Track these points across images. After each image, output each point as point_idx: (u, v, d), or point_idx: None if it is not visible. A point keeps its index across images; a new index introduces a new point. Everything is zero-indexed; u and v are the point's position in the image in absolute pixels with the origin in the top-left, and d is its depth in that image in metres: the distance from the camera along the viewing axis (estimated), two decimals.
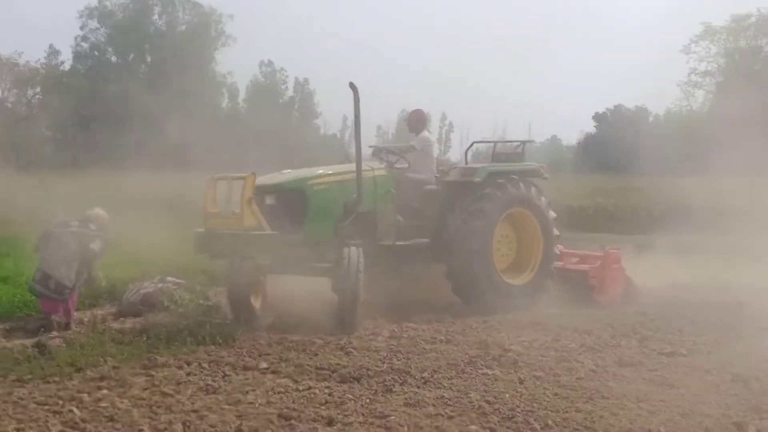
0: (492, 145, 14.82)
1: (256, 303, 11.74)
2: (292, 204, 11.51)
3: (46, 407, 7.39)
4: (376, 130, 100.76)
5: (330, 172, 12.13)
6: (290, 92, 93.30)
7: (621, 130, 74.91)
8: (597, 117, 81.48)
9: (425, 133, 13.77)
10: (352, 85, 11.32)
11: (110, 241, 11.78)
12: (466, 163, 14.01)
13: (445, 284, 12.89)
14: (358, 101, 11.40)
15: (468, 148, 14.45)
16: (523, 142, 14.43)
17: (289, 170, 12.28)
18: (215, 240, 11.14)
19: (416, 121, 13.93)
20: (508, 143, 14.89)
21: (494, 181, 12.98)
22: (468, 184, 12.94)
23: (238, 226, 10.89)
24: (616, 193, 32.20)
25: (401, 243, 12.49)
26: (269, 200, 11.51)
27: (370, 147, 14.03)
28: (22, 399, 7.60)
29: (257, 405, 7.61)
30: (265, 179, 11.63)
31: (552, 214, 13.78)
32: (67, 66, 79.83)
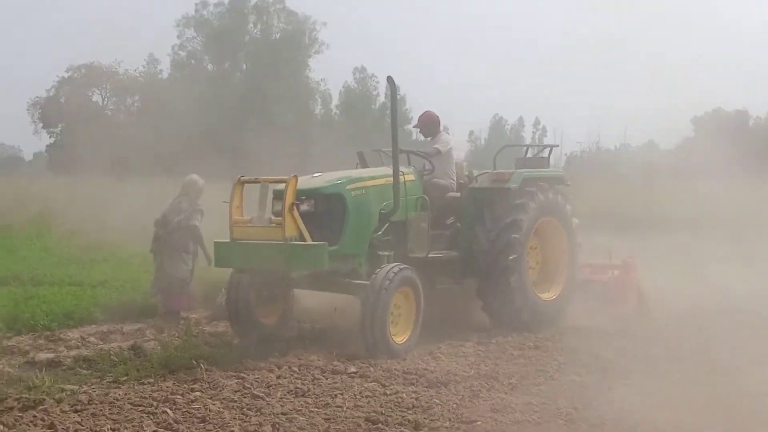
0: (521, 150, 13.76)
1: (268, 316, 11.01)
2: (328, 211, 10.36)
3: (141, 408, 7.57)
4: (469, 135, 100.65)
5: (366, 176, 11.04)
6: (381, 98, 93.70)
7: (721, 134, 73.35)
8: (695, 120, 79.89)
9: (445, 135, 12.50)
10: (389, 79, 10.63)
11: (203, 210, 12.06)
12: (494, 168, 12.58)
13: (470, 301, 12.00)
14: (396, 97, 10.78)
15: (498, 153, 13.21)
16: (550, 147, 13.63)
17: (320, 173, 10.98)
18: (247, 251, 10.19)
19: (430, 124, 12.52)
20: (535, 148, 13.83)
21: (526, 189, 11.97)
22: (499, 191, 11.90)
23: (277, 235, 9.87)
24: (718, 199, 31.41)
25: (433, 256, 11.32)
26: (304, 207, 10.16)
27: (375, 150, 12.68)
28: (117, 400, 7.80)
29: (345, 408, 7.70)
30: (299, 183, 10.25)
31: (575, 221, 12.89)
32: (165, 74, 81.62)
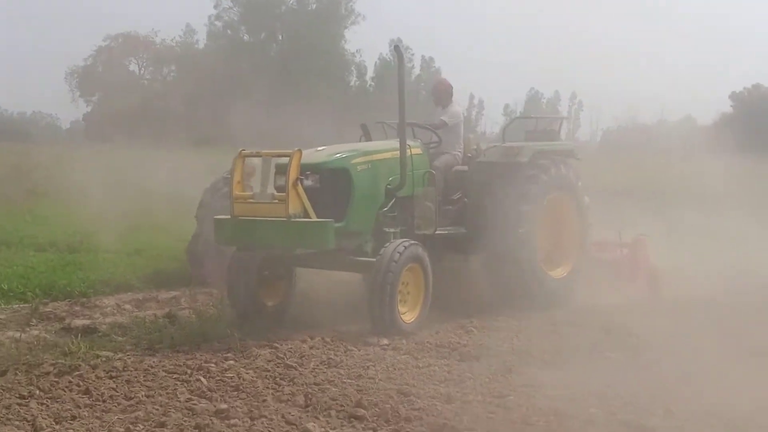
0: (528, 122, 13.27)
1: (270, 296, 10.49)
2: (333, 186, 9.94)
3: (175, 376, 7.64)
4: (504, 108, 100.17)
5: (372, 150, 10.61)
6: (416, 71, 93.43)
7: (760, 109, 72.51)
8: (734, 96, 78.99)
9: (456, 107, 12.12)
10: (396, 48, 10.11)
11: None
12: (503, 141, 12.16)
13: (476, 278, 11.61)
14: (403, 66, 10.38)
15: (508, 125, 12.70)
16: (561, 119, 12.94)
17: (324, 147, 10.54)
18: (249, 228, 9.80)
19: (443, 92, 12.07)
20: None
21: (538, 162, 11.55)
22: (510, 165, 11.43)
23: (280, 212, 9.47)
24: (754, 175, 31.06)
25: (441, 232, 10.90)
26: (308, 182, 9.72)
27: (379, 122, 12.23)
28: (152, 367, 7.88)
29: (377, 380, 7.71)
30: (303, 157, 9.78)
31: (586, 199, 12.39)
32: (201, 45, 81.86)
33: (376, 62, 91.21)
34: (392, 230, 10.34)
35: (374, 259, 9.70)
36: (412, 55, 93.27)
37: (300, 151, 9.63)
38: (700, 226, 18.65)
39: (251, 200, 9.78)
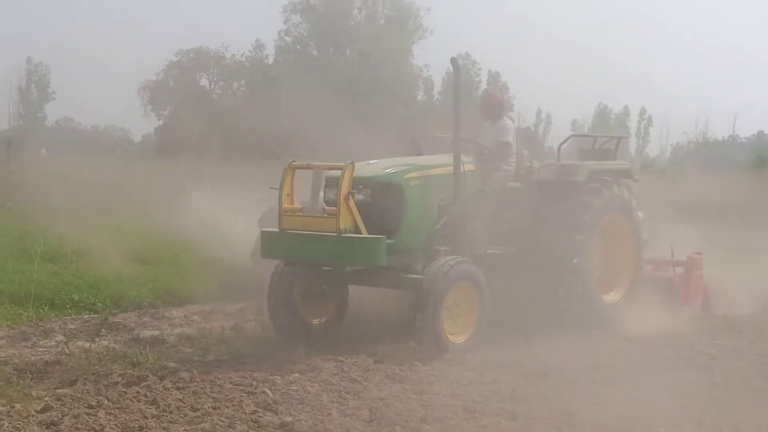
0: (589, 140, 12.57)
1: (315, 315, 10.21)
2: (384, 201, 9.68)
3: (241, 388, 7.69)
4: (572, 124, 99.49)
5: (426, 165, 10.27)
6: (483, 85, 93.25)
7: None
8: None
9: (507, 121, 11.61)
10: (453, 61, 9.99)
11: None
12: (558, 159, 11.70)
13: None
14: (460, 79, 10.20)
15: (563, 143, 12.41)
16: (619, 138, 12.50)
17: (377, 160, 10.24)
18: (297, 242, 9.54)
19: (492, 105, 11.64)
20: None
21: (592, 185, 11.04)
22: (564, 185, 10.96)
23: (330, 227, 9.19)
24: None
25: (492, 252, 10.55)
26: (359, 196, 9.42)
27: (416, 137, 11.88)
28: (218, 379, 7.93)
29: (442, 396, 7.69)
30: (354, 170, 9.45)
31: (641, 215, 11.85)
32: (270, 60, 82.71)
33: (443, 77, 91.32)
34: (443, 248, 9.98)
35: (420, 276, 9.44)
36: (479, 69, 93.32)
37: (353, 164, 9.34)
38: (756, 242, 18.40)
39: (300, 214, 9.58)
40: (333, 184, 9.45)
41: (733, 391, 8.13)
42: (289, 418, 6.79)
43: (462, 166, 10.11)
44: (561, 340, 10.16)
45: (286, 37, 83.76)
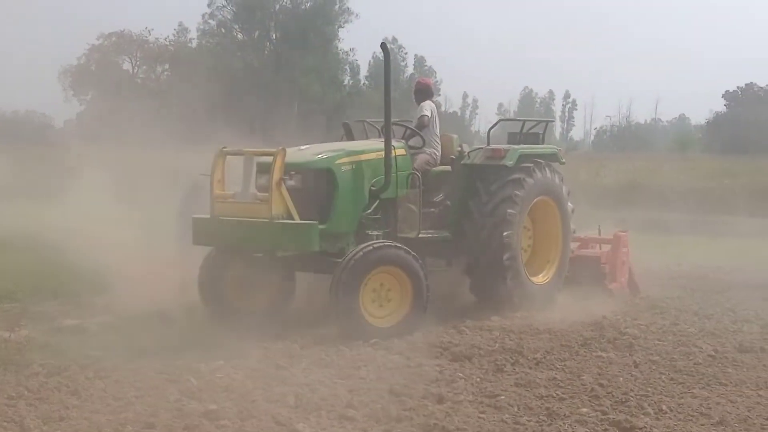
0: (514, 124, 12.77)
1: (247, 300, 10.22)
2: (316, 187, 9.79)
3: (164, 376, 7.60)
4: (498, 108, 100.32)
5: (357, 150, 10.33)
6: (410, 69, 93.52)
7: (752, 109, 72.75)
8: (727, 95, 79.18)
9: (428, 102, 11.53)
10: (383, 46, 10.08)
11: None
12: (488, 143, 11.78)
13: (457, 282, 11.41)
14: (390, 64, 10.18)
15: (492, 127, 12.60)
16: (546, 122, 12.80)
17: (308, 146, 10.37)
18: (229, 229, 9.58)
19: (420, 91, 11.69)
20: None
21: (523, 166, 11.25)
22: (495, 168, 11.15)
23: (263, 213, 9.28)
24: (746, 175, 31.21)
25: (424, 235, 10.61)
26: (291, 182, 9.49)
27: (359, 121, 12.26)
28: (142, 367, 7.83)
29: (368, 380, 7.70)
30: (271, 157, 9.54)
31: (570, 206, 12.09)
32: (194, 43, 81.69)
33: (370, 61, 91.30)
34: (375, 233, 10.13)
35: (339, 260, 9.45)
36: (405, 54, 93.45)
37: (284, 150, 9.39)
38: (677, 223, 18.89)
39: (232, 200, 9.59)
40: (264, 170, 9.46)
41: (656, 370, 8.27)
42: (213, 406, 6.71)
43: (393, 151, 10.11)
44: (488, 322, 10.26)
45: (210, 21, 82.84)
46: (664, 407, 7.04)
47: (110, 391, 7.13)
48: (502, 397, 7.23)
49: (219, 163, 9.64)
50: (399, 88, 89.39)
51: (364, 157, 10.20)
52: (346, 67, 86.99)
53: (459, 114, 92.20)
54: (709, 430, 6.58)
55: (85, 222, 14.48)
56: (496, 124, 12.87)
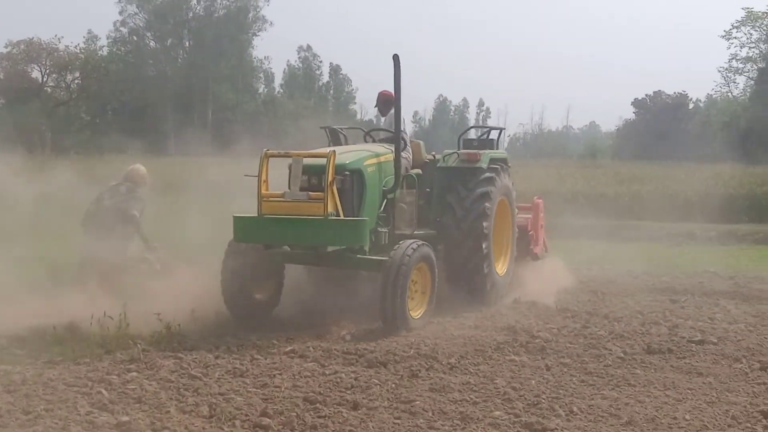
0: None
1: (261, 294, 10.97)
2: (347, 187, 10.53)
3: (75, 388, 7.46)
4: (413, 116, 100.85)
5: (377, 152, 11.25)
6: (325, 78, 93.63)
7: (660, 116, 74.48)
8: (636, 103, 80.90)
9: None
10: (395, 57, 10.67)
11: (145, 201, 11.93)
12: (459, 148, 12.80)
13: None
14: (399, 75, 10.77)
15: (463, 134, 13.49)
16: (500, 129, 13.98)
17: (330, 148, 10.95)
18: (280, 226, 10.24)
19: (384, 102, 12.42)
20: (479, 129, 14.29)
21: (492, 167, 12.31)
22: (471, 170, 12.13)
23: (316, 211, 10.04)
24: (654, 181, 31.91)
25: (418, 232, 11.50)
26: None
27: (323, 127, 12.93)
28: (52, 380, 7.68)
29: (283, 389, 7.65)
30: (316, 159, 10.43)
31: (516, 209, 13.42)
32: (105, 51, 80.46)
33: (284, 69, 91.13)
34: (383, 230, 11.00)
35: (386, 258, 10.21)
36: (320, 62, 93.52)
37: (335, 152, 10.21)
38: (587, 228, 19.32)
39: (282, 199, 10.23)
40: (311, 171, 10.28)
41: (567, 373, 8.43)
42: (125, 418, 6.63)
43: (389, 155, 11.13)
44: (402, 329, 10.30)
45: (122, 28, 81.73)
46: (574, 408, 7.18)
47: (19, 404, 6.95)
48: (417, 402, 7.28)
49: (264, 165, 10.23)
50: (314, 95, 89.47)
51: (381, 159, 11.12)
52: (261, 75, 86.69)
53: (374, 122, 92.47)
54: (618, 430, 6.72)
55: None
56: (466, 131, 13.94)
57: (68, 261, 12.13)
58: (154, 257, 12.27)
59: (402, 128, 11.67)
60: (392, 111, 12.00)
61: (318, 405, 7.16)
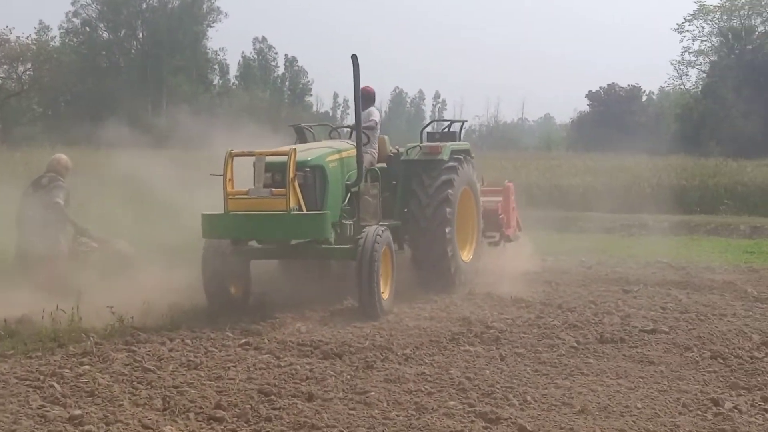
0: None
1: (236, 288, 11.11)
2: (309, 183, 10.89)
3: (27, 382, 7.39)
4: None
5: (339, 149, 11.73)
6: (281, 69, 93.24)
7: (614, 108, 75.11)
8: (590, 95, 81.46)
9: (375, 110, 13.20)
10: (353, 57, 11.08)
11: (68, 189, 11.85)
12: (421, 141, 13.20)
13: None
14: (359, 75, 11.21)
15: (425, 127, 13.91)
16: (462, 122, 14.62)
17: (291, 146, 11.27)
18: (246, 222, 10.54)
19: (367, 97, 12.88)
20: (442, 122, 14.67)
21: (454, 158, 12.84)
22: (433, 162, 12.59)
23: (279, 206, 10.37)
24: (607, 172, 32.17)
25: (383, 223, 11.64)
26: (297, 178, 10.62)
27: (291, 126, 13.55)
28: (3, 374, 7.61)
29: (238, 381, 7.63)
30: (278, 157, 10.66)
31: (482, 200, 13.97)
32: (57, 42, 79.41)
33: (239, 61, 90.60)
34: (348, 222, 11.37)
35: (349, 246, 10.83)
36: (276, 54, 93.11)
37: (295, 150, 10.59)
38: (542, 220, 19.51)
39: (246, 196, 10.51)
40: (273, 168, 10.59)
41: (521, 362, 8.49)
42: (78, 411, 6.57)
43: (351, 151, 11.65)
44: (358, 320, 10.33)
45: (74, 19, 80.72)
46: (528, 398, 7.24)
47: None
48: (372, 393, 7.29)
49: (229, 164, 10.49)
50: (269, 87, 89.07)
51: (343, 155, 11.59)
52: (215, 66, 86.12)
53: (330, 114, 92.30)
54: (571, 419, 6.76)
55: None
56: (429, 125, 14.35)
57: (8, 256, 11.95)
58: (87, 238, 12.13)
59: (375, 124, 12.70)
60: (371, 107, 12.95)
61: (273, 397, 7.15)
